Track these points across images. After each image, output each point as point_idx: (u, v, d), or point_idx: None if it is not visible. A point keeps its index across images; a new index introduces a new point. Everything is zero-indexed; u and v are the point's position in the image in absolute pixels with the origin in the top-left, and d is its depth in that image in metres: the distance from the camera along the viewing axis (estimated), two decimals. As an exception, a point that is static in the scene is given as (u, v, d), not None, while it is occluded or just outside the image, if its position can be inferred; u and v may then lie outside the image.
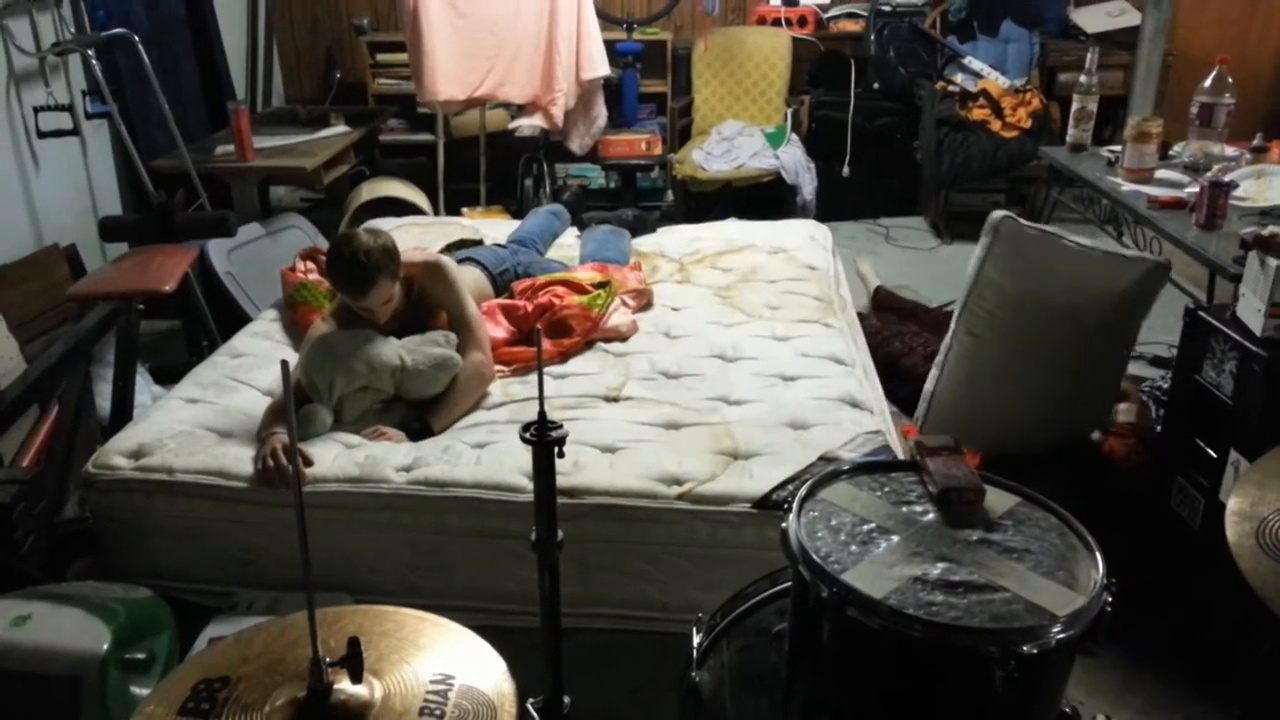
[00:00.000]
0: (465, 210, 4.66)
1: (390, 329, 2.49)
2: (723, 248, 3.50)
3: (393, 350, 2.40)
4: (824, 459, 2.16)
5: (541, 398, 1.26)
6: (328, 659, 1.03)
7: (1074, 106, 3.18)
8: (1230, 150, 2.94)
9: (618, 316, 2.84)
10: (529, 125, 4.52)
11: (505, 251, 3.13)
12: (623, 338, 2.80)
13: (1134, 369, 3.52)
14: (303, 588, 1.02)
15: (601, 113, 4.76)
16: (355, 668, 1.02)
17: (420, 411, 2.42)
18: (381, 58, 5.26)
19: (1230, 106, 2.93)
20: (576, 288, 2.93)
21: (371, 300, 2.39)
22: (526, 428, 1.28)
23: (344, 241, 2.37)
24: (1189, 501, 2.14)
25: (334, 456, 2.24)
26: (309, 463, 2.20)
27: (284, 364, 0.91)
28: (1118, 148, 3.00)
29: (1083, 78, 3.13)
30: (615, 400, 2.48)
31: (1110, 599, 1.14)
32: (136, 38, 3.53)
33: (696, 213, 4.68)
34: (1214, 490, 2.05)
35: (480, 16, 4.35)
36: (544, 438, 1.26)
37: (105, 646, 1.75)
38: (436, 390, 2.45)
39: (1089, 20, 5.15)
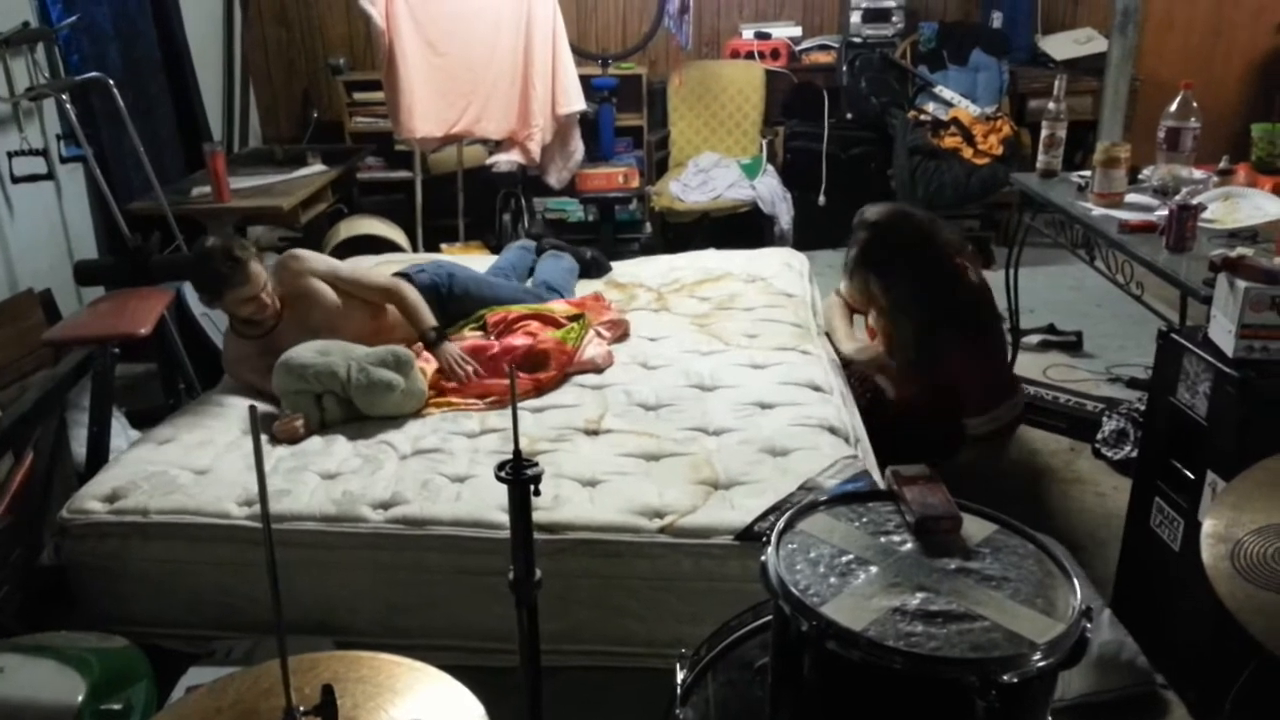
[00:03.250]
0: (444, 246, 4.67)
1: (289, 330, 2.71)
2: (700, 277, 3.51)
3: (342, 361, 2.56)
4: (804, 487, 2.16)
5: (516, 436, 1.25)
6: (301, 708, 1.01)
7: (1043, 133, 3.22)
8: (1198, 173, 2.98)
9: (593, 348, 2.84)
10: (506, 161, 4.55)
11: (436, 269, 3.19)
12: (599, 369, 2.80)
13: (1111, 391, 3.55)
14: (285, 632, 1.01)
15: (578, 147, 4.78)
16: (329, 716, 1.01)
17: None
18: (358, 96, 5.28)
19: (1196, 130, 2.96)
20: (550, 321, 2.94)
21: (248, 289, 2.64)
22: (502, 466, 1.28)
23: (200, 245, 2.71)
24: (1169, 523, 2.14)
25: (310, 493, 2.23)
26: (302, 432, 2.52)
27: (252, 408, 0.91)
28: (1088, 173, 3.03)
29: (1051, 105, 3.16)
30: (594, 433, 2.48)
31: (1089, 625, 1.14)
32: (111, 81, 3.52)
33: (675, 244, 4.70)
34: (1193, 511, 2.05)
35: (456, 54, 4.37)
36: (519, 476, 1.25)
37: (80, 699, 1.72)
38: (378, 411, 2.56)
39: (1057, 48, 5.23)
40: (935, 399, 2.68)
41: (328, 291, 2.84)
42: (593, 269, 3.65)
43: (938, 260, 2.66)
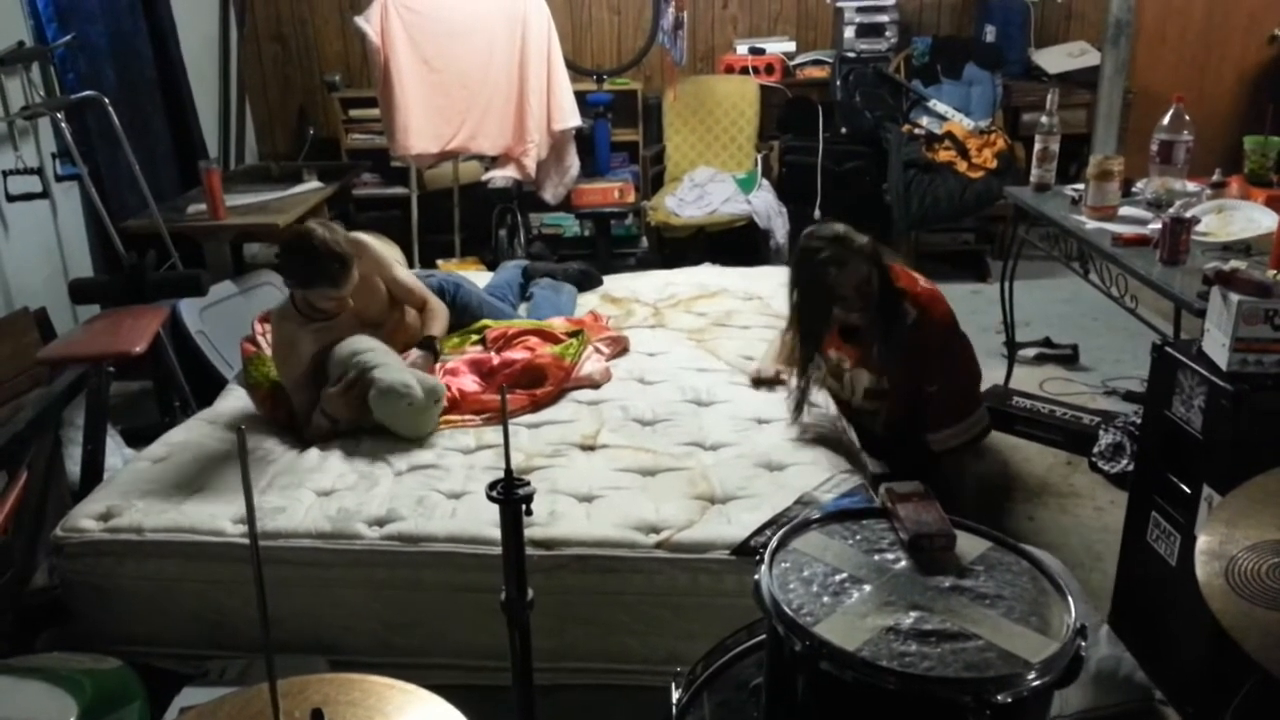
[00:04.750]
0: (440, 262, 4.68)
1: (348, 320, 2.68)
2: (696, 292, 3.52)
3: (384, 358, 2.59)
4: (801, 502, 2.16)
5: (508, 456, 1.25)
6: (292, 731, 1.01)
7: (1036, 147, 3.23)
8: (1191, 186, 2.98)
9: (591, 364, 2.84)
10: (502, 176, 4.55)
11: (445, 276, 3.23)
12: (596, 385, 2.80)
13: (1107, 404, 3.55)
14: (274, 651, 1.00)
15: (574, 162, 4.79)
16: (320, 740, 1.00)
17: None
18: (354, 113, 5.29)
19: (1189, 143, 2.98)
20: (549, 337, 2.94)
21: (346, 289, 2.56)
22: (493, 486, 1.27)
23: (307, 236, 2.51)
24: (1165, 537, 2.14)
25: (305, 510, 2.22)
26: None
27: (240, 430, 0.90)
28: (1081, 186, 3.04)
29: (1044, 118, 3.18)
30: (591, 448, 2.48)
31: (1084, 643, 1.14)
32: (107, 100, 3.53)
33: (671, 258, 4.70)
34: (1189, 525, 2.05)
35: (452, 71, 4.39)
36: (510, 495, 1.25)
37: (71, 720, 1.71)
38: (380, 412, 2.52)
39: (1050, 61, 5.25)
40: (911, 412, 2.65)
41: (382, 286, 2.85)
42: (583, 281, 3.65)
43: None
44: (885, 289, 2.45)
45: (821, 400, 2.66)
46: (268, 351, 2.85)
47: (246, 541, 2.15)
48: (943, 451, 2.58)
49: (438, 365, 2.80)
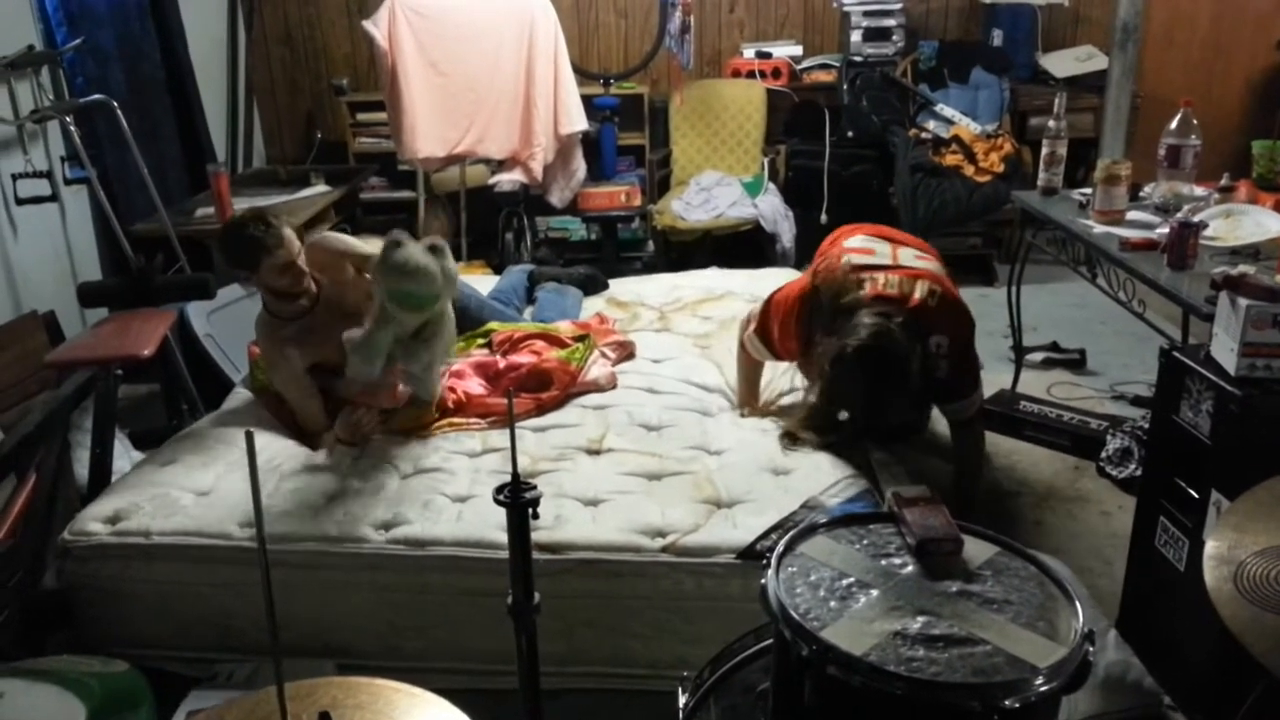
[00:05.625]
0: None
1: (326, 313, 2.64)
2: (702, 296, 3.52)
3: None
4: (807, 506, 2.15)
5: (514, 459, 1.25)
6: (299, 735, 1.01)
7: (1043, 151, 3.22)
8: (1199, 190, 2.97)
9: (597, 369, 2.84)
10: (509, 180, 4.56)
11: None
12: (602, 390, 2.80)
13: (1115, 409, 3.54)
14: (282, 656, 1.00)
15: (580, 166, 4.80)
16: (327, 743, 1.01)
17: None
18: (361, 117, 5.30)
19: (1197, 148, 2.97)
20: (556, 341, 2.94)
21: (286, 250, 2.52)
22: (500, 489, 1.27)
23: (226, 225, 2.63)
24: (1173, 542, 2.13)
25: (313, 514, 2.23)
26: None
27: (248, 434, 0.91)
28: (1089, 190, 3.03)
29: (1051, 123, 3.17)
30: (596, 452, 2.48)
31: (1091, 649, 1.13)
32: (115, 103, 3.55)
33: (678, 262, 4.70)
34: (1198, 531, 2.04)
35: (459, 75, 4.40)
36: (517, 499, 1.25)
37: (79, 723, 1.72)
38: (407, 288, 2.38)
39: (1057, 65, 5.24)
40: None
41: (350, 268, 2.78)
42: (589, 285, 3.65)
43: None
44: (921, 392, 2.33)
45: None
46: None
47: (254, 545, 2.14)
48: (963, 422, 2.58)
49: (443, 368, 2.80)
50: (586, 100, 4.76)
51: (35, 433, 2.37)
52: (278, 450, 2.54)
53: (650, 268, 4.84)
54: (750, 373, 2.76)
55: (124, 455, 3.01)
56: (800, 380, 2.79)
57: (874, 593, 1.23)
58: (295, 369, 2.61)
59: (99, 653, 2.03)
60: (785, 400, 2.73)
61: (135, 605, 2.22)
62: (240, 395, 2.92)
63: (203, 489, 2.37)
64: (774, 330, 2.58)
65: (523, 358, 2.85)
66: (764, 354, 2.67)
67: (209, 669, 2.17)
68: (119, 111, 3.55)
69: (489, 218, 4.85)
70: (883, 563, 1.29)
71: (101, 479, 2.67)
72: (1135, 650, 2.18)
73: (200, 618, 2.21)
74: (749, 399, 2.75)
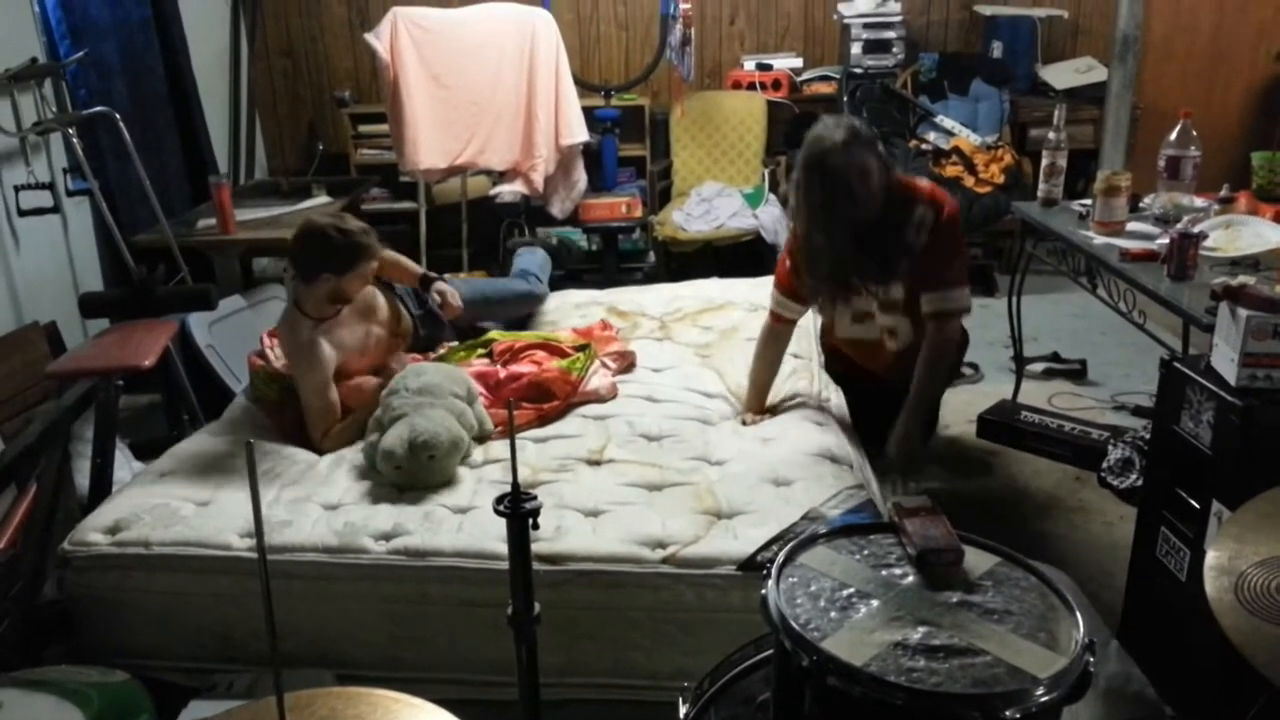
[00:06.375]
0: (448, 276, 4.68)
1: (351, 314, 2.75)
2: (703, 306, 3.52)
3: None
4: (808, 517, 2.15)
5: (515, 470, 1.25)
6: (298, 745, 1.01)
7: (1044, 162, 3.23)
8: (1199, 201, 2.98)
9: (597, 379, 2.85)
10: (510, 191, 4.57)
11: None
12: (602, 400, 2.80)
13: (1116, 419, 3.54)
14: (282, 666, 1.00)
15: (581, 177, 4.81)
16: (326, 753, 1.00)
17: None
18: (363, 129, 5.32)
19: (1196, 159, 2.97)
20: (556, 351, 2.95)
21: (368, 271, 2.68)
22: (500, 500, 1.27)
23: (322, 227, 2.61)
24: (1174, 553, 2.13)
25: (312, 524, 2.23)
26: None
27: (249, 445, 0.91)
28: (1089, 201, 3.04)
29: (1051, 134, 3.18)
30: (597, 463, 2.48)
31: (1092, 659, 1.13)
32: (118, 115, 3.56)
33: (679, 273, 4.71)
34: (1199, 541, 2.04)
35: (461, 87, 4.41)
36: (517, 510, 1.25)
37: (78, 734, 1.71)
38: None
39: (1057, 77, 5.26)
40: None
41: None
42: (561, 253, 3.81)
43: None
44: (893, 186, 2.47)
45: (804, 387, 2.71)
46: (276, 365, 2.86)
47: (254, 555, 2.14)
48: (933, 314, 2.59)
49: None
50: (588, 112, 4.78)
51: (36, 443, 2.38)
52: (278, 460, 2.54)
53: (651, 278, 4.84)
54: (766, 364, 2.78)
55: (125, 466, 3.01)
56: (802, 384, 2.80)
57: (874, 603, 1.23)
58: (327, 364, 2.66)
59: (98, 663, 2.03)
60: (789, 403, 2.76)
61: (135, 615, 2.22)
62: (240, 405, 2.92)
63: (202, 499, 2.37)
64: (784, 268, 2.72)
65: (523, 368, 2.85)
66: (786, 304, 2.77)
67: (208, 679, 2.17)
68: (121, 123, 3.56)
69: (490, 228, 4.86)
70: (883, 573, 1.29)
71: (102, 489, 2.67)
72: (1137, 661, 2.17)
73: (200, 628, 2.21)
74: (754, 402, 2.76)
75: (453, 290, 3.01)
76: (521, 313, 3.45)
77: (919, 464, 2.75)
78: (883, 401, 2.76)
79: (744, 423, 2.69)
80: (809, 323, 3.32)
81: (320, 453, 2.62)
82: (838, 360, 3.02)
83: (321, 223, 2.63)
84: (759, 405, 2.75)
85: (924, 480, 3.14)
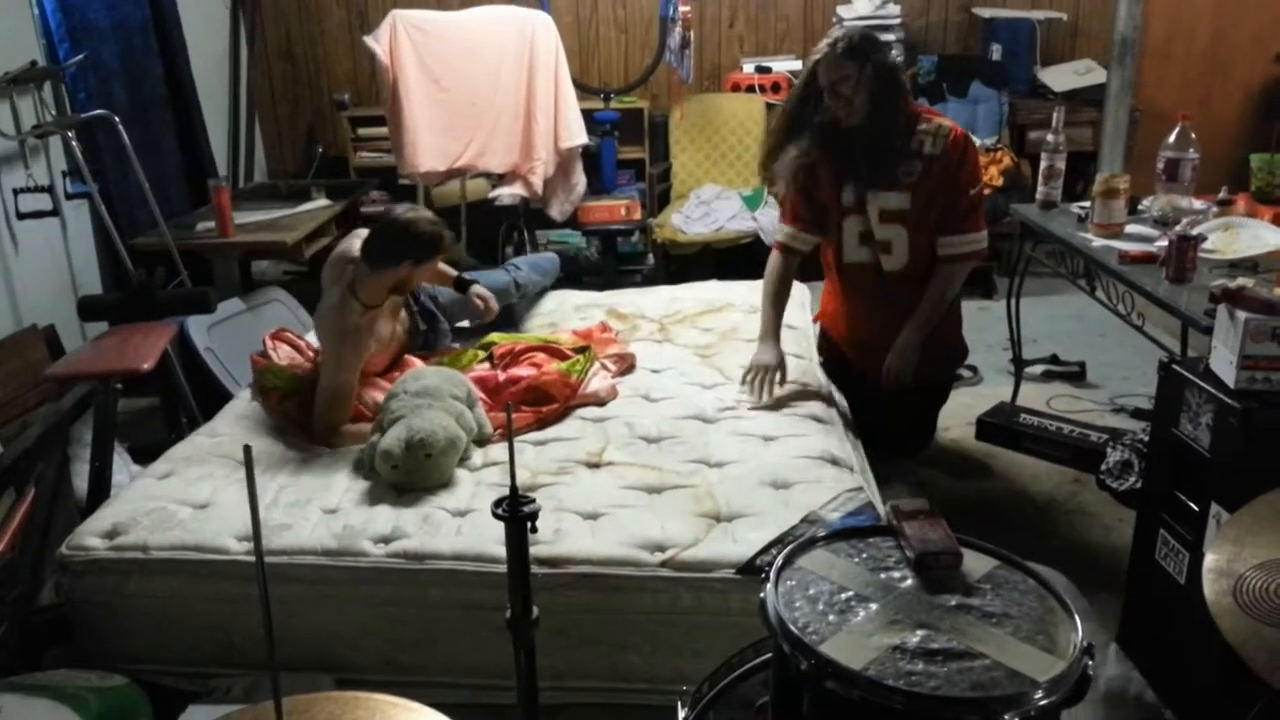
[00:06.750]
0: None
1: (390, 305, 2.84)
2: (702, 308, 3.52)
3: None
4: (807, 520, 2.15)
5: (513, 473, 1.25)
6: (296, 749, 1.00)
7: (1042, 164, 3.23)
8: (1198, 203, 2.98)
9: (597, 381, 2.85)
10: (509, 194, 4.57)
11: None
12: (602, 403, 2.80)
13: (1115, 421, 3.54)
14: (279, 669, 1.00)
15: (581, 180, 4.81)
16: (324, 758, 1.00)
17: None
18: (363, 131, 5.33)
19: (1195, 161, 2.98)
20: (556, 353, 2.95)
21: (437, 263, 2.88)
22: (499, 503, 1.27)
23: (414, 218, 2.73)
24: (1174, 555, 2.13)
25: (311, 527, 2.23)
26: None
27: (246, 448, 0.91)
28: (1088, 203, 3.04)
29: (1049, 136, 3.18)
30: (596, 465, 2.48)
31: (1091, 662, 1.13)
32: (117, 119, 3.56)
33: (678, 275, 4.71)
34: (1198, 544, 2.04)
35: (460, 90, 4.41)
36: (516, 513, 1.25)
37: (76, 738, 1.71)
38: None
39: (1056, 79, 5.26)
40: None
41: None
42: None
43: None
44: (889, 104, 2.60)
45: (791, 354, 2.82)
46: (281, 364, 2.89)
47: (252, 559, 2.14)
48: (949, 257, 2.78)
49: None
50: (587, 114, 4.78)
51: (35, 446, 2.37)
52: (275, 459, 2.54)
53: (650, 280, 4.85)
54: (774, 297, 2.91)
55: (123, 469, 3.01)
56: (804, 383, 2.84)
57: (873, 606, 1.23)
58: (367, 349, 2.75)
59: (96, 667, 2.03)
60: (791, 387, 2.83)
61: (133, 619, 2.22)
62: (235, 407, 2.91)
63: (200, 501, 2.37)
64: (786, 196, 2.91)
65: (522, 371, 2.85)
66: (797, 236, 2.92)
67: (207, 683, 2.16)
68: (120, 126, 3.56)
69: (489, 230, 4.86)
70: (881, 576, 1.29)
71: (101, 493, 2.67)
72: (1136, 664, 2.17)
73: (198, 632, 2.20)
74: (769, 328, 2.87)
75: (490, 294, 3.13)
76: (505, 303, 3.42)
77: (908, 378, 2.83)
78: (881, 402, 2.77)
79: (749, 399, 2.75)
80: (808, 325, 3.33)
81: (328, 443, 2.64)
82: (837, 361, 3.05)
83: (407, 214, 2.75)
84: (775, 331, 2.87)
85: (921, 476, 3.16)
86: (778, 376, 2.79)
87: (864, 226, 2.80)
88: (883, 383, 2.79)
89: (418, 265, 2.74)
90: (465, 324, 3.27)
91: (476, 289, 3.12)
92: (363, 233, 2.82)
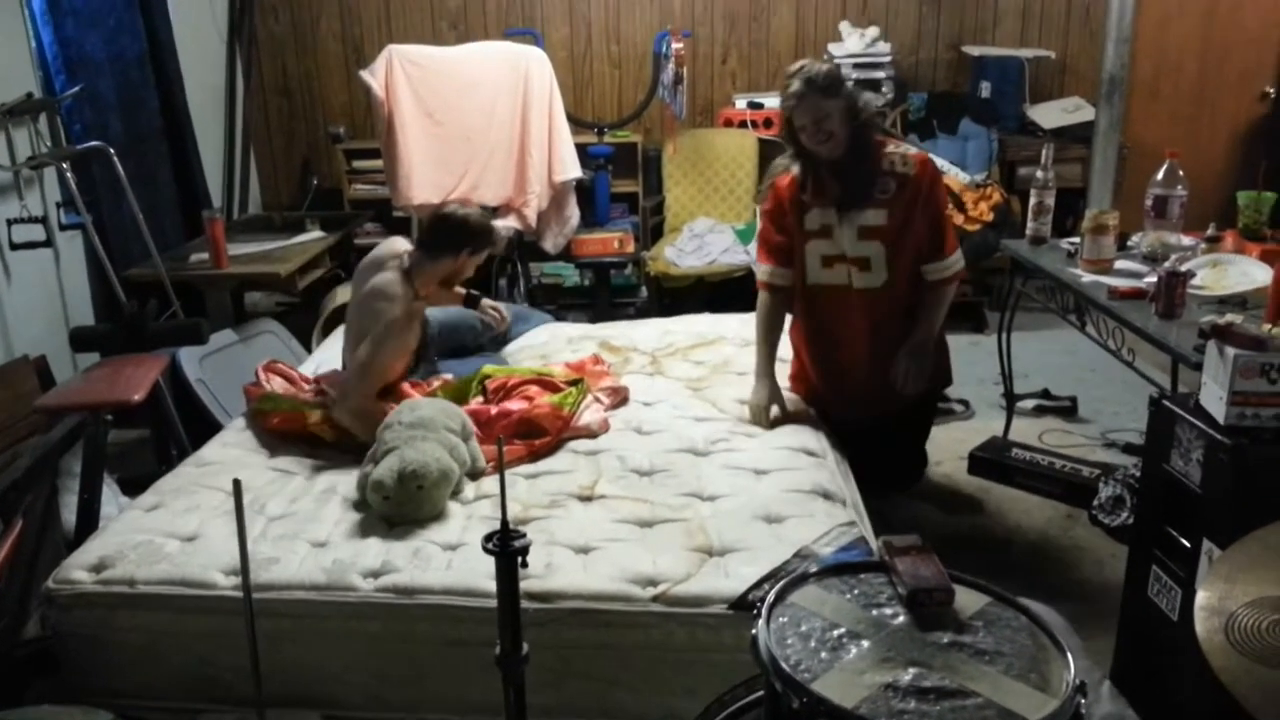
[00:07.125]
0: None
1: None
2: (694, 341, 3.53)
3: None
4: (800, 555, 2.14)
5: (504, 507, 1.25)
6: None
7: (1032, 201, 3.26)
8: (1186, 240, 3.01)
9: (589, 414, 2.84)
10: (503, 226, 4.58)
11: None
12: (593, 435, 2.79)
13: (1106, 456, 3.55)
14: (266, 705, 0.99)
15: (574, 213, 4.83)
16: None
17: None
18: (358, 164, 5.35)
19: (1183, 198, 3.01)
20: (549, 386, 2.94)
21: (483, 257, 3.05)
22: (489, 537, 1.27)
23: (470, 211, 3.02)
24: (1166, 592, 2.12)
25: (300, 561, 2.21)
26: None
27: (236, 483, 0.90)
28: (1077, 239, 3.07)
29: (1039, 173, 3.21)
30: (588, 499, 2.47)
31: (1083, 700, 1.12)
32: (112, 150, 3.58)
33: (671, 308, 4.72)
34: (1190, 580, 2.03)
35: (455, 123, 4.45)
36: (506, 547, 1.24)
37: (59, 774, 1.69)
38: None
39: (1045, 116, 5.31)
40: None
41: None
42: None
43: None
44: (862, 130, 2.69)
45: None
46: (277, 384, 2.98)
47: (240, 595, 2.12)
48: (939, 281, 2.82)
49: None
50: (581, 148, 4.82)
51: (23, 478, 2.36)
52: (264, 490, 2.52)
53: (643, 313, 4.85)
54: (767, 332, 2.94)
55: (112, 501, 2.99)
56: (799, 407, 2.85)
57: (865, 644, 1.22)
58: (414, 335, 2.94)
59: (82, 702, 2.00)
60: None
61: (119, 654, 2.19)
62: (224, 436, 2.90)
63: (187, 534, 2.35)
64: (766, 229, 2.97)
65: (514, 404, 2.84)
66: (775, 273, 2.95)
67: (194, 719, 2.13)
68: (115, 158, 3.58)
69: (482, 264, 4.86)
70: (874, 613, 1.28)
71: (89, 525, 2.65)
72: (1129, 702, 2.16)
73: (185, 667, 2.18)
74: (765, 365, 2.90)
75: (501, 304, 3.35)
76: (483, 339, 3.51)
77: (923, 379, 2.87)
78: (869, 435, 2.77)
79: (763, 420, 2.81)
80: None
81: (354, 414, 2.73)
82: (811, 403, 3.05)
83: (461, 210, 3.01)
84: (769, 368, 2.90)
85: (913, 510, 3.15)
86: (774, 411, 2.81)
87: (830, 250, 2.83)
88: (896, 385, 2.80)
89: (473, 254, 2.97)
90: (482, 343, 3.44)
91: (487, 301, 3.29)
92: (398, 239, 3.05)
